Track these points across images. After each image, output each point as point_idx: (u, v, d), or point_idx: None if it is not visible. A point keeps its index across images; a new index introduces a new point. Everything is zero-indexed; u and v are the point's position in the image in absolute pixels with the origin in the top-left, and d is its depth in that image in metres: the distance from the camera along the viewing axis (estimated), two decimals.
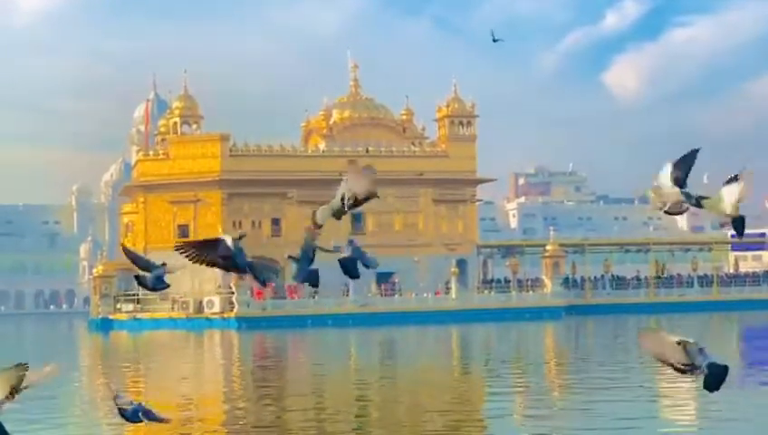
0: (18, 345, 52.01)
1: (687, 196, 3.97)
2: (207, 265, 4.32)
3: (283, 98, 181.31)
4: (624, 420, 14.78)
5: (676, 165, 4.00)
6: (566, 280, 64.63)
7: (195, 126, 67.69)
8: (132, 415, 5.49)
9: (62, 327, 73.30)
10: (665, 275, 68.15)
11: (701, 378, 4.13)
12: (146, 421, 5.57)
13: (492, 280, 67.73)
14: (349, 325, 52.03)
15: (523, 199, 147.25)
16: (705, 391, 4.20)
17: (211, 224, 63.32)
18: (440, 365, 28.26)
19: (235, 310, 56.70)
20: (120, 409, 5.53)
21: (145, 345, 43.78)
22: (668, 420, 15.25)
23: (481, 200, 78.76)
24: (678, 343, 4.01)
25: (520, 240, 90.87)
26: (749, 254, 76.61)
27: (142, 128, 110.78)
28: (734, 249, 77.46)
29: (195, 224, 64.10)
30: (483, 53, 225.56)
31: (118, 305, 61.30)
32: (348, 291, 59.13)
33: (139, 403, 5.55)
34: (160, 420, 5.71)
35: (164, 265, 4.87)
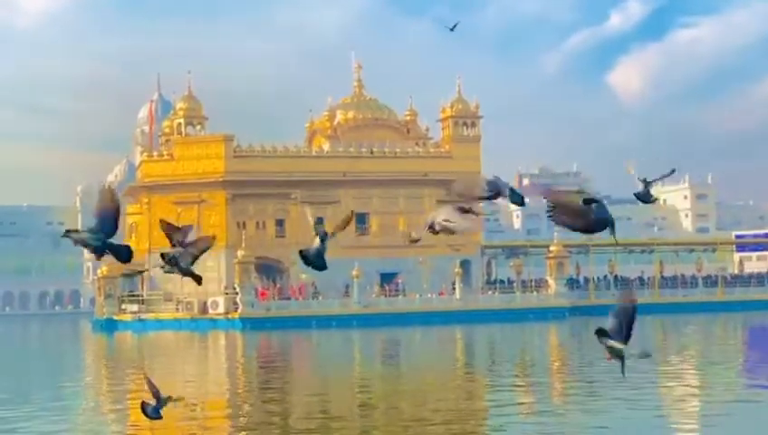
0: (23, 346, 52.07)
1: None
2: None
3: (286, 99, 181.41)
4: (628, 420, 14.77)
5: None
6: (570, 281, 64.56)
7: (199, 127, 67.73)
8: (153, 412, 5.59)
9: (66, 328, 73.35)
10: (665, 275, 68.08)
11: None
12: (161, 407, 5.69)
13: (496, 281, 67.68)
14: (353, 326, 52.03)
15: (527, 200, 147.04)
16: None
17: (215, 224, 63.34)
18: (444, 366, 28.23)
19: (239, 311, 56.73)
20: (143, 405, 5.62)
21: (149, 346, 43.82)
22: (672, 420, 15.23)
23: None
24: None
25: (524, 241, 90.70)
26: (754, 254, 76.50)
27: (146, 129, 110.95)
28: (738, 250, 77.38)
29: (199, 224, 64.11)
30: (487, 53, 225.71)
31: (122, 306, 61.37)
32: (349, 292, 59.22)
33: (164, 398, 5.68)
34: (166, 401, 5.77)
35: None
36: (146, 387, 5.75)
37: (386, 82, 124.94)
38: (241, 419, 16.49)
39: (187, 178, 64.26)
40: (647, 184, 4.95)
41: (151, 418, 5.66)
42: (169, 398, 5.67)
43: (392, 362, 31.27)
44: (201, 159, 64.93)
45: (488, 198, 4.12)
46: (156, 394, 5.65)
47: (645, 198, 4.91)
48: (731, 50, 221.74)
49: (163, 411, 5.65)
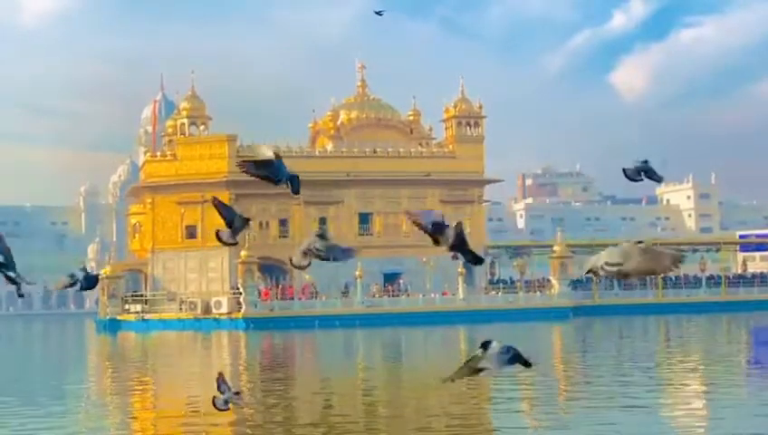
0: (26, 346, 52.13)
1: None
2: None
3: (290, 99, 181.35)
4: (631, 420, 14.76)
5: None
6: (574, 281, 64.52)
7: (202, 127, 67.75)
8: (223, 404, 6.30)
9: (70, 328, 73.44)
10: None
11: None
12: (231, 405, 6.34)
13: (499, 281, 67.64)
14: (356, 326, 52.02)
15: (530, 200, 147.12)
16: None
17: (219, 225, 63.02)
18: (447, 366, 28.21)
19: (242, 310, 56.76)
20: (214, 399, 6.32)
21: (153, 346, 43.84)
22: (675, 420, 15.22)
23: (488, 201, 78.67)
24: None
25: (527, 241, 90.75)
26: (757, 254, 76.37)
27: (150, 129, 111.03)
28: (742, 250, 77.24)
29: (202, 225, 64.11)
30: (490, 53, 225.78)
31: (126, 306, 61.39)
32: (347, 292, 59.22)
33: (234, 392, 6.37)
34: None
35: (248, 220, 5.23)
36: (218, 383, 6.37)
37: (389, 82, 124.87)
38: (244, 419, 16.48)
39: (191, 178, 64.25)
40: (641, 170, 4.93)
41: (220, 410, 6.33)
42: (237, 394, 6.38)
43: (395, 362, 31.26)
44: (204, 159, 64.94)
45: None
46: (225, 390, 6.27)
47: (632, 175, 4.91)
48: (734, 49, 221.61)
49: (224, 406, 6.27)
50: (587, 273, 3.93)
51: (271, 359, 33.98)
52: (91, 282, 5.12)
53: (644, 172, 4.95)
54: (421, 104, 73.55)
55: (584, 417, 15.38)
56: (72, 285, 5.06)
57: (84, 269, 5.12)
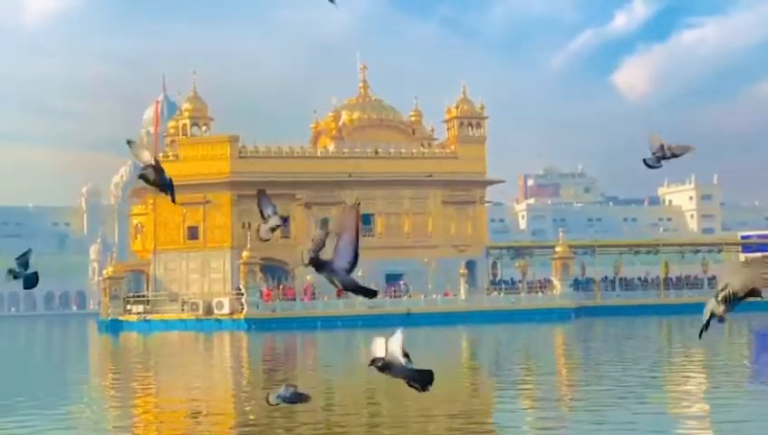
0: (29, 348, 52.17)
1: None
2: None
3: (292, 99, 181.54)
4: (632, 420, 14.76)
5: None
6: (576, 281, 64.49)
7: (204, 128, 67.78)
8: (275, 400, 6.71)
9: (72, 329, 73.46)
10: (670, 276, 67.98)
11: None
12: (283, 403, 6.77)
13: (501, 281, 67.62)
14: (358, 326, 52.00)
15: (532, 201, 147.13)
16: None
17: (221, 225, 63.45)
18: (449, 367, 28.18)
19: (244, 311, 56.75)
20: (267, 396, 6.72)
21: (154, 346, 43.85)
22: (677, 421, 15.21)
23: (490, 202, 78.61)
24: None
25: (529, 241, 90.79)
26: (759, 255, 76.29)
27: (152, 129, 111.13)
28: (744, 250, 77.19)
29: (204, 225, 64.16)
30: (492, 53, 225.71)
31: (128, 307, 61.41)
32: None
33: (289, 389, 6.84)
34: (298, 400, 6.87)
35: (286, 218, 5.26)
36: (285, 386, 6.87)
37: (391, 83, 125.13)
38: (245, 420, 16.50)
39: (193, 178, 64.16)
40: (662, 157, 4.97)
41: (270, 405, 6.74)
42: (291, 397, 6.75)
43: None
44: (206, 159, 64.94)
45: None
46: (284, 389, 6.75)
47: (653, 163, 4.96)
48: (735, 50, 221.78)
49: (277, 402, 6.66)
50: (710, 318, 4.04)
51: (272, 360, 33.98)
52: (30, 281, 5.05)
53: (665, 158, 4.98)
54: (423, 105, 73.63)
55: (585, 417, 15.38)
56: (15, 278, 5.02)
57: (25, 263, 5.08)
